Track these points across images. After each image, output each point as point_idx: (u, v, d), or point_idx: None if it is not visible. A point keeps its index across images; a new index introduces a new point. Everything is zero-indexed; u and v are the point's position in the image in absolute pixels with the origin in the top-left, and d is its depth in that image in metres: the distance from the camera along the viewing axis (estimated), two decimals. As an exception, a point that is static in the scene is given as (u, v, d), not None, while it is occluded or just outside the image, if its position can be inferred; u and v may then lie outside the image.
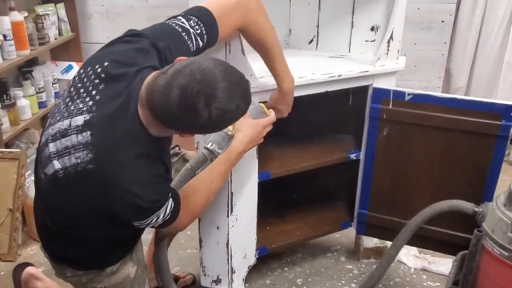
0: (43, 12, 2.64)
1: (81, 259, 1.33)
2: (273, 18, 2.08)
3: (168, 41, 1.25)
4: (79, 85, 1.20)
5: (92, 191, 1.16)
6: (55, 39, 2.76)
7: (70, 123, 1.16)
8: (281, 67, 1.50)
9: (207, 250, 1.82)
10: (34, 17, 2.62)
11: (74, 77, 1.23)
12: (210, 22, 1.31)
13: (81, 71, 1.22)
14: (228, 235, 1.75)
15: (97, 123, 1.14)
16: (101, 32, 3.02)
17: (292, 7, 2.11)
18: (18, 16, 2.36)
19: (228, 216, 1.72)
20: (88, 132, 1.13)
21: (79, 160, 1.13)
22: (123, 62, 1.18)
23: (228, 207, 1.71)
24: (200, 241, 1.82)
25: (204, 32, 1.30)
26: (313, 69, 1.75)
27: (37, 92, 2.59)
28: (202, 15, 1.30)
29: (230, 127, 1.42)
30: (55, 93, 2.76)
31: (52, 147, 1.18)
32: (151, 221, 1.21)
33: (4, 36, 2.25)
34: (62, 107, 1.21)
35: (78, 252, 1.31)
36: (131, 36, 1.24)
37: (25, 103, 2.47)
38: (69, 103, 1.19)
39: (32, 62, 2.63)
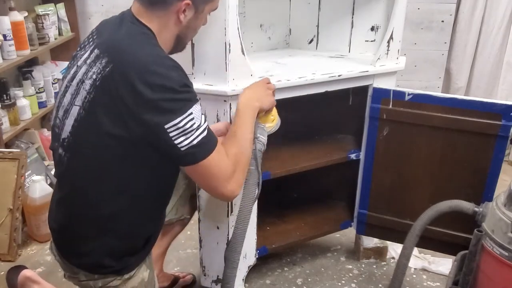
0: (43, 12, 2.64)
1: (100, 264, 1.26)
2: (273, 18, 2.10)
3: None
4: (75, 60, 1.25)
5: (116, 100, 1.10)
6: (55, 39, 2.76)
7: (76, 68, 1.20)
8: None
9: (207, 250, 1.82)
10: (34, 17, 2.62)
11: (70, 68, 1.27)
12: None
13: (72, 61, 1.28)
14: (228, 235, 1.74)
15: (101, 40, 1.19)
16: (101, 32, 3.02)
17: (292, 7, 2.11)
18: (18, 16, 2.37)
19: (228, 216, 1.72)
20: (96, 50, 1.17)
21: (95, 75, 1.13)
22: (109, 20, 1.31)
23: (228, 207, 1.71)
24: (200, 241, 1.82)
25: None
26: (313, 69, 1.75)
27: (37, 92, 2.59)
28: None
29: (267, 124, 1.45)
30: (55, 93, 2.76)
31: (68, 96, 1.20)
32: (186, 124, 1.11)
33: (4, 36, 2.25)
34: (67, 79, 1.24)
35: (99, 257, 1.24)
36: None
37: (25, 103, 2.47)
38: (71, 70, 1.23)
39: (32, 62, 2.64)
